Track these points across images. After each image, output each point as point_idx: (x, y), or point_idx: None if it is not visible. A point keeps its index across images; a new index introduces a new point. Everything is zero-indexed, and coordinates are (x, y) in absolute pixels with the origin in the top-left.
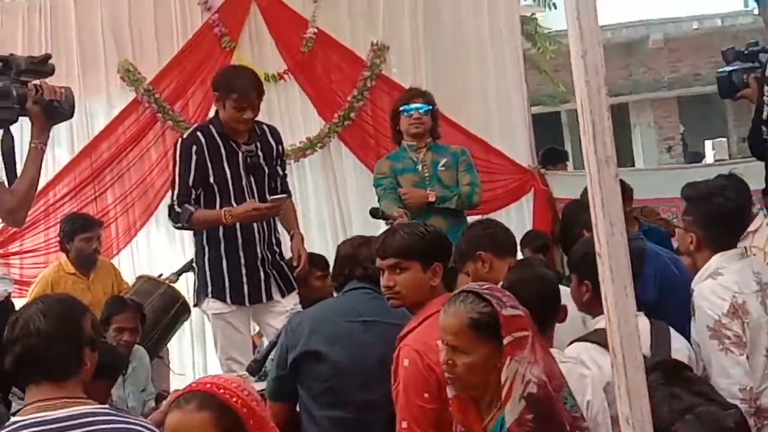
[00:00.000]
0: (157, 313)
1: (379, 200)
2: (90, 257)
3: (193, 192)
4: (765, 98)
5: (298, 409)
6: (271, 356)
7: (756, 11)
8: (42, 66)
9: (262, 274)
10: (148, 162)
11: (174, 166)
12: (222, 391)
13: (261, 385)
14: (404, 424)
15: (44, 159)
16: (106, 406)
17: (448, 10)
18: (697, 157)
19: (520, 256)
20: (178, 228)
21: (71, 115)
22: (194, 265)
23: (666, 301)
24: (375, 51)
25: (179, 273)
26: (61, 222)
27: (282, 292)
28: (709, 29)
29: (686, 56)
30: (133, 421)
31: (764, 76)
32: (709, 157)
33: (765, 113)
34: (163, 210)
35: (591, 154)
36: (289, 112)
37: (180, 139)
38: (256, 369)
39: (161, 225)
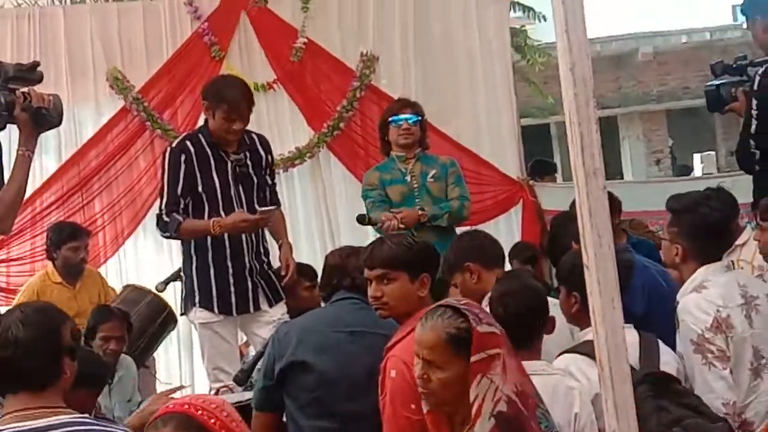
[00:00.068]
0: (143, 322)
1: (368, 212)
2: (77, 266)
3: (182, 201)
4: (753, 112)
5: (284, 419)
6: (258, 366)
7: (745, 25)
8: (30, 73)
9: (249, 283)
10: (137, 170)
11: (162, 174)
12: (200, 412)
13: (248, 395)
14: None
15: (32, 166)
16: (86, 415)
17: (438, 21)
18: (685, 170)
19: (508, 267)
20: (166, 237)
21: (59, 123)
22: (182, 274)
23: (654, 313)
24: (365, 61)
25: (167, 282)
26: (49, 230)
27: (270, 302)
28: (698, 43)
29: (675, 69)
30: (115, 429)
31: (752, 90)
32: (698, 171)
33: (753, 127)
34: (150, 219)
35: (579, 166)
36: (279, 122)
37: (169, 148)
38: (242, 379)
39: (149, 234)
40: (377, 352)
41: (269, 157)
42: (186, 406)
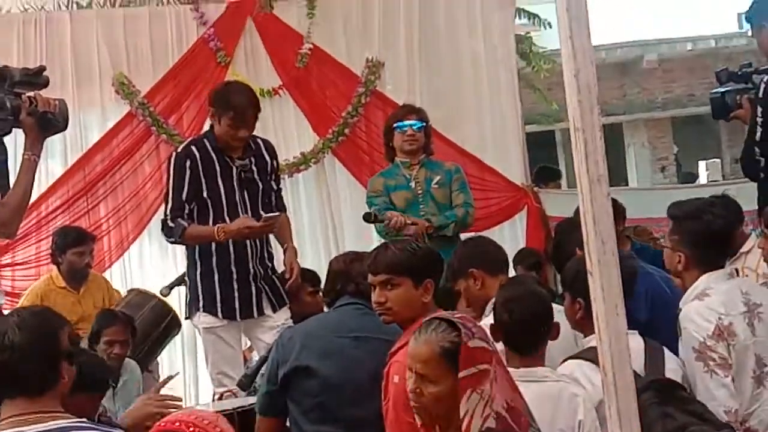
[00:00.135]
0: (146, 327)
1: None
2: (82, 271)
3: (187, 207)
4: (758, 119)
5: (288, 424)
6: (261, 371)
7: (750, 33)
8: (36, 78)
9: (253, 288)
10: (142, 175)
11: (168, 180)
12: (192, 429)
13: (251, 400)
14: None
15: (37, 171)
16: (84, 419)
17: (443, 27)
18: (690, 177)
19: (512, 273)
20: (171, 243)
21: (65, 128)
22: (186, 278)
23: (658, 320)
24: (370, 67)
25: (171, 286)
26: (54, 235)
27: (273, 307)
28: (703, 50)
29: (680, 77)
30: None
31: (757, 98)
32: (703, 178)
33: (758, 134)
34: (155, 223)
35: (583, 172)
36: (284, 128)
37: (174, 153)
38: (246, 384)
39: (154, 238)
40: (381, 358)
41: (275, 163)
42: (177, 423)
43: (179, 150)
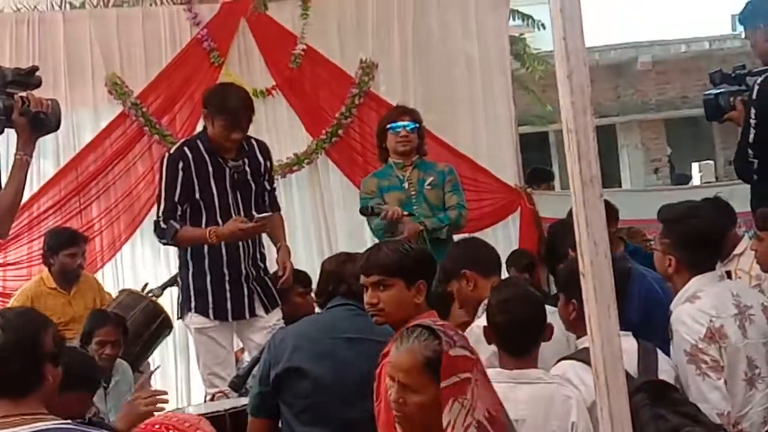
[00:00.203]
0: (138, 328)
1: (367, 221)
2: (74, 273)
3: (179, 208)
4: (751, 121)
5: (280, 425)
6: (253, 372)
7: (743, 35)
8: (29, 78)
9: (245, 289)
10: (134, 176)
11: (160, 181)
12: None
13: (243, 401)
14: None
15: (29, 171)
16: (68, 420)
17: (437, 29)
18: (684, 179)
19: (505, 274)
20: (164, 244)
21: (57, 128)
22: (178, 279)
23: (651, 322)
24: (363, 68)
25: (163, 287)
26: (46, 235)
27: (265, 308)
28: (697, 52)
29: (674, 79)
30: None
31: (751, 99)
32: (696, 180)
33: (751, 136)
34: (148, 224)
35: (576, 174)
36: (277, 128)
37: (167, 154)
38: (238, 384)
39: (146, 239)
40: (373, 359)
41: (268, 163)
42: (157, 426)
43: (172, 151)
